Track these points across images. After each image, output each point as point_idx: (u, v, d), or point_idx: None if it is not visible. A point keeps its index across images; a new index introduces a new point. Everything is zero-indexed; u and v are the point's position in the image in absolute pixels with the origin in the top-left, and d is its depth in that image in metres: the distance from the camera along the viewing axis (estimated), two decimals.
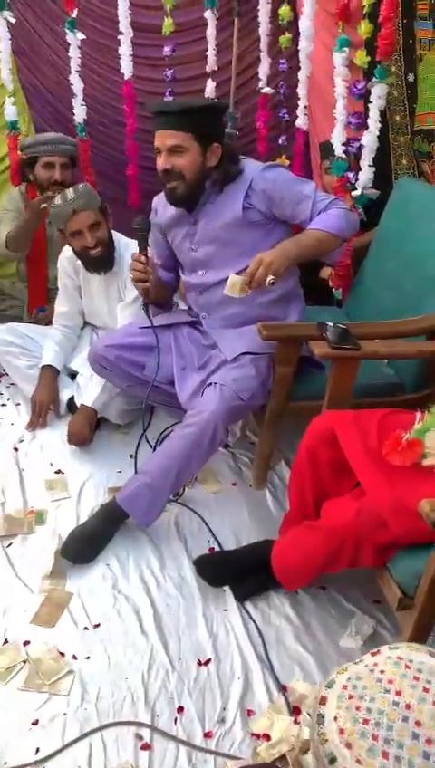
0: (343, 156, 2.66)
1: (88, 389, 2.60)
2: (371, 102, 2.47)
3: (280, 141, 3.46)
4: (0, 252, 3.05)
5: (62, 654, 1.75)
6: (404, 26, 2.67)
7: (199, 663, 1.75)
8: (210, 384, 2.11)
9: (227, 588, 1.95)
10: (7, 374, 2.92)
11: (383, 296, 2.43)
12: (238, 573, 1.94)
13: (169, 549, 2.11)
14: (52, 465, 2.49)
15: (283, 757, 1.48)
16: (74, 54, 3.15)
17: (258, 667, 1.73)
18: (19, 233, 2.97)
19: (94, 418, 2.60)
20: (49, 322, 2.92)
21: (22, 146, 3.13)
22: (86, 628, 1.84)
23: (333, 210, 2.08)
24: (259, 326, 2.02)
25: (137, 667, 1.73)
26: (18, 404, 2.86)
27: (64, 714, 1.60)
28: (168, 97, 3.55)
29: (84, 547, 2.05)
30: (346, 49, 2.55)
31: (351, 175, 2.65)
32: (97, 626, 1.85)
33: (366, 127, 2.52)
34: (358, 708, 0.72)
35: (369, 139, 2.52)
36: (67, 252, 2.68)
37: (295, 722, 1.55)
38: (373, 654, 0.80)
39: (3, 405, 2.88)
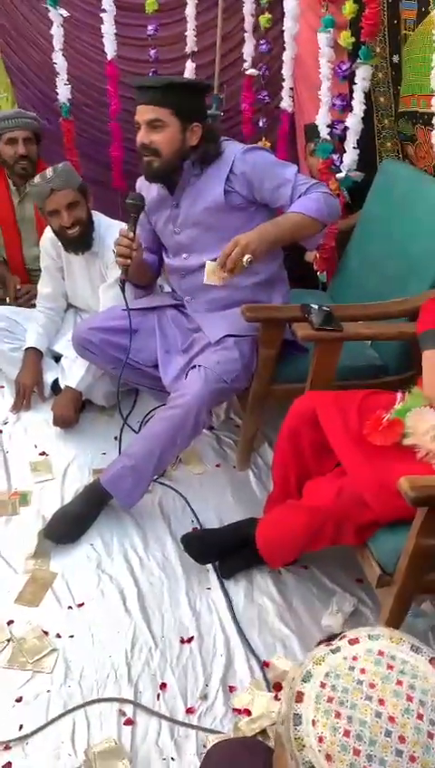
0: (328, 138, 2.64)
1: (72, 371, 2.59)
2: (356, 84, 2.46)
3: (260, 124, 3.42)
4: None
5: (46, 633, 1.76)
6: (389, 6, 2.63)
7: (182, 641, 1.77)
8: (194, 366, 2.11)
9: (210, 567, 1.97)
10: None
11: (367, 279, 2.44)
12: (224, 550, 1.96)
13: (152, 529, 2.13)
14: (36, 446, 2.49)
15: (263, 731, 1.51)
16: (57, 33, 3.11)
17: (240, 645, 1.76)
18: None
19: (79, 400, 2.60)
20: (32, 305, 2.91)
21: None
22: (70, 608, 1.85)
23: (313, 194, 2.05)
24: (243, 308, 2.03)
25: (120, 646, 1.75)
26: (2, 386, 2.85)
27: (48, 691, 1.62)
28: None
29: (68, 528, 2.06)
30: (331, 29, 2.52)
31: (336, 157, 2.63)
32: (81, 605, 1.86)
33: (351, 109, 2.51)
34: (338, 715, 0.69)
35: (353, 122, 2.49)
36: (49, 233, 2.66)
37: (276, 698, 1.57)
38: (352, 642, 0.76)
39: None
